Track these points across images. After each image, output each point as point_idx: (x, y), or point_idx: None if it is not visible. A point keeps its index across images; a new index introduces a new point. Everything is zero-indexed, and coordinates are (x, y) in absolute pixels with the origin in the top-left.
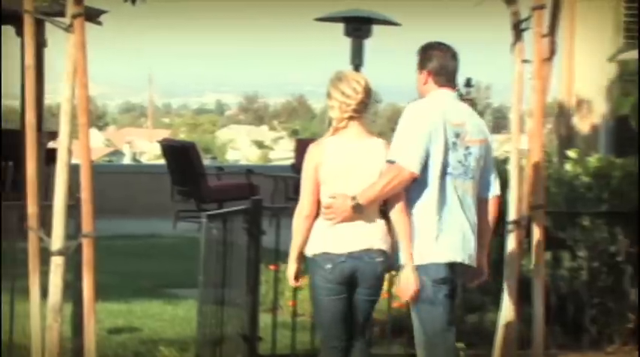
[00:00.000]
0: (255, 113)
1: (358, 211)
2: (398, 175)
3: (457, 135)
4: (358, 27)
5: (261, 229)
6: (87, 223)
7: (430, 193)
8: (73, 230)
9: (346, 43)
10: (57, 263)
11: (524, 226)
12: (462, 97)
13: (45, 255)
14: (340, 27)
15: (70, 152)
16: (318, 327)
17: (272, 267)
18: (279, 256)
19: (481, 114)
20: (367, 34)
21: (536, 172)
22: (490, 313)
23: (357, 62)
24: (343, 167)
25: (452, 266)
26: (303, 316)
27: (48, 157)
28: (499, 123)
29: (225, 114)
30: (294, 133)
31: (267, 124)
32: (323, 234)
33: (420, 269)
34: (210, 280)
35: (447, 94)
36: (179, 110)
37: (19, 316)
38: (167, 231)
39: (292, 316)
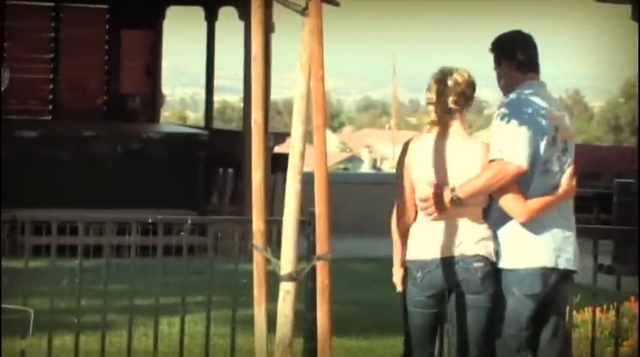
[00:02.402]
0: None
1: (458, 205)
2: (503, 170)
3: (556, 129)
4: None
5: None
6: (322, 243)
7: (529, 191)
8: (305, 251)
9: (633, 28)
10: (287, 290)
11: None
12: None
13: (272, 280)
14: (626, 9)
15: (303, 158)
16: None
17: None
18: None
19: None
20: None
21: None
22: None
23: None
24: (434, 170)
25: (548, 275)
26: None
27: (273, 164)
28: None
29: (484, 112)
30: None
31: None
32: (415, 238)
33: (509, 276)
34: None
35: (539, 85)
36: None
37: (241, 350)
38: None
39: None
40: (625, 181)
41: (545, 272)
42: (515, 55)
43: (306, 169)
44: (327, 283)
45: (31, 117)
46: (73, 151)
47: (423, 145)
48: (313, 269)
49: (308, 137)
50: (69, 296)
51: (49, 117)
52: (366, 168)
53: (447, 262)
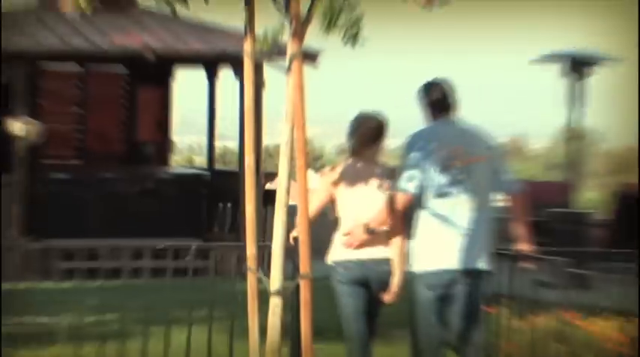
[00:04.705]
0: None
1: (371, 234)
2: (395, 199)
3: (449, 158)
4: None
5: None
6: (304, 265)
7: (421, 212)
8: (290, 271)
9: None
10: (275, 304)
11: None
12: None
13: (264, 296)
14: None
15: (288, 194)
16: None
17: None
18: None
19: None
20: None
21: None
22: None
23: None
24: (354, 190)
25: (444, 273)
26: None
27: (265, 199)
28: None
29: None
30: None
31: None
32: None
33: (415, 276)
34: None
35: (440, 123)
36: (395, 151)
37: (241, 355)
38: None
39: None
40: (560, 211)
41: (440, 272)
42: (424, 102)
43: (292, 203)
44: (309, 298)
45: (63, 162)
46: (98, 190)
47: (342, 173)
48: (298, 286)
49: (293, 176)
50: (93, 312)
51: (79, 162)
52: None
53: (363, 263)
